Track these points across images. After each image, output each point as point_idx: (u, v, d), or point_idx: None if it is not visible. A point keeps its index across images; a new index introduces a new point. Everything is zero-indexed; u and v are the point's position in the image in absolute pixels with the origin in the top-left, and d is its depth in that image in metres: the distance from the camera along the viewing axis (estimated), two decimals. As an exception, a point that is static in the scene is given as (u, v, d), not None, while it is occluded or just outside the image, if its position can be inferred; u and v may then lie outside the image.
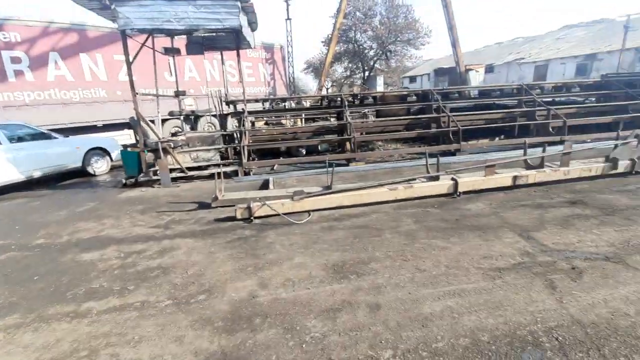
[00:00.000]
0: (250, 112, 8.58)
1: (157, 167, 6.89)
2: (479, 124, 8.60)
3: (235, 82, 13.94)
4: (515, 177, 5.01)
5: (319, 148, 8.88)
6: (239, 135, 7.61)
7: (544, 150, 5.40)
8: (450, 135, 7.85)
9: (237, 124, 8.46)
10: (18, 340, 2.41)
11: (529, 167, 5.55)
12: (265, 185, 6.09)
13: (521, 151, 7.43)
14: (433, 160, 5.28)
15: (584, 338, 2.07)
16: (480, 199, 4.72)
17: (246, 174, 7.03)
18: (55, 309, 2.77)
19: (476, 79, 21.24)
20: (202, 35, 8.64)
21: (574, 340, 2.06)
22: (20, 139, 7.17)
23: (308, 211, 4.54)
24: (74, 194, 6.66)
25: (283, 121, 11.52)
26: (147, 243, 3.98)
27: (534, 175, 5.09)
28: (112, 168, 8.78)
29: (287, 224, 4.20)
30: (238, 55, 8.54)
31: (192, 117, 10.76)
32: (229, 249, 3.62)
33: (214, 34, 8.61)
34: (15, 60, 8.56)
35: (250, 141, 8.23)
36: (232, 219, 4.44)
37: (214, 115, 9.44)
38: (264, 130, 8.86)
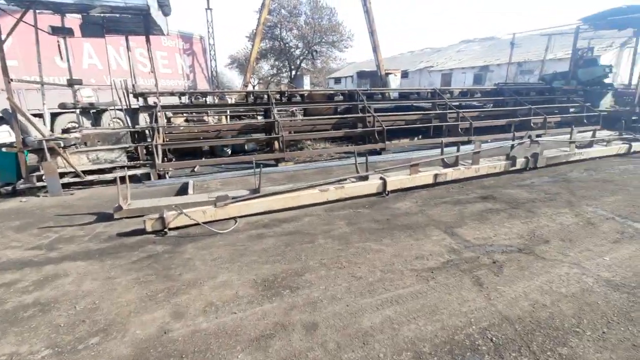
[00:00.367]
0: (164, 107, 7.61)
1: (42, 171, 5.61)
2: (400, 125, 9.07)
3: (148, 73, 12.41)
4: (436, 175, 5.29)
5: (246, 147, 8.34)
6: (151, 133, 6.66)
7: (458, 150, 5.82)
8: (376, 134, 8.08)
9: (149, 120, 7.44)
10: None
11: (445, 165, 5.93)
12: (183, 190, 5.40)
13: (437, 150, 8.03)
14: (361, 159, 5.28)
15: (514, 335, 2.12)
16: (407, 197, 4.85)
17: (161, 177, 6.17)
18: None
19: (395, 82, 22.72)
20: (102, 15, 7.36)
21: (506, 339, 2.09)
22: None
23: (234, 218, 4.09)
24: None
25: (206, 118, 10.61)
26: (22, 271, 3.10)
27: (451, 173, 5.45)
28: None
29: (209, 234, 3.70)
30: (148, 41, 7.52)
31: (92, 111, 9.20)
32: (135, 271, 2.99)
33: (117, 14, 7.41)
34: None
35: (167, 139, 7.31)
36: (141, 232, 3.75)
37: (121, 110, 8.21)
38: (182, 128, 7.96)
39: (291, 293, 2.61)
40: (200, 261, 3.12)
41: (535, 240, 3.46)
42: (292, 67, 32.41)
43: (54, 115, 9.11)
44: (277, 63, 33.99)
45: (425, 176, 5.20)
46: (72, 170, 5.85)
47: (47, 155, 5.55)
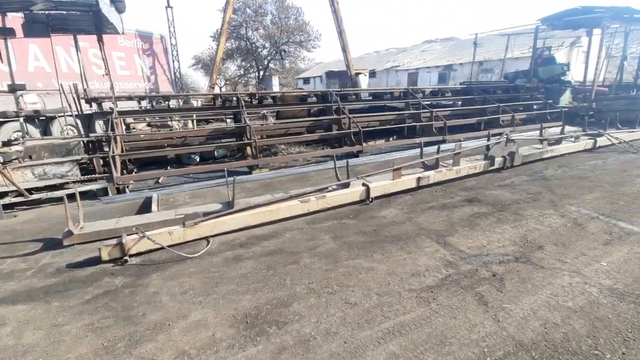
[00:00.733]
0: (121, 112, 6.93)
1: (-26, 192, 4.83)
2: (375, 125, 8.92)
3: (102, 76, 11.46)
4: (419, 179, 5.11)
5: (215, 154, 7.81)
6: (108, 142, 5.99)
7: (438, 151, 5.70)
8: (352, 136, 7.85)
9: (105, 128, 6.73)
10: None
11: (426, 167, 5.80)
12: (147, 206, 4.84)
13: (413, 150, 7.98)
14: (340, 164, 5.00)
15: (535, 367, 1.91)
16: (391, 203, 4.63)
17: (120, 191, 5.55)
18: None
19: (364, 82, 22.79)
20: (47, 12, 6.57)
21: (526, 372, 1.87)
22: None
23: (206, 238, 3.66)
24: None
25: (171, 123, 9.90)
26: (-59, 321, 2.51)
27: (433, 176, 5.30)
28: None
29: (177, 259, 3.25)
30: (100, 40, 6.81)
31: (42, 118, 8.27)
32: (88, 314, 2.50)
33: (63, 12, 6.65)
34: None
35: (126, 148, 6.64)
36: (96, 261, 3.22)
37: (75, 116, 7.38)
38: (143, 135, 7.30)
39: (278, 330, 2.26)
40: (168, 296, 2.68)
41: (529, 246, 3.33)
42: (260, 67, 31.72)
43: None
44: (244, 63, 33.15)
45: (408, 180, 5.01)
46: (15, 188, 5.10)
47: (-20, 172, 4.78)
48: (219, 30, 19.51)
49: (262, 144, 7.48)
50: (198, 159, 7.59)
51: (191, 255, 3.28)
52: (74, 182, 5.54)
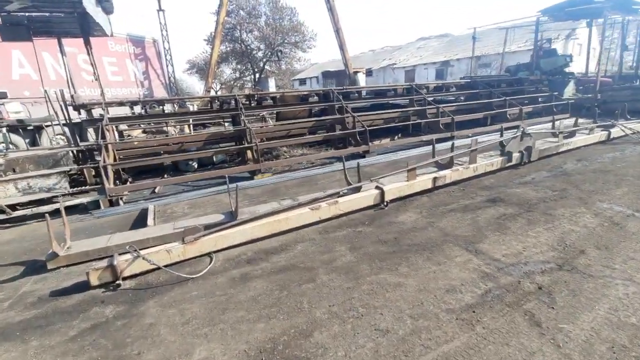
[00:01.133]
0: (113, 119, 6.54)
1: (-47, 210, 4.44)
2: (379, 124, 8.56)
3: (91, 81, 11.04)
4: (435, 179, 4.76)
5: (214, 160, 7.43)
6: (100, 151, 5.60)
7: (452, 148, 5.35)
8: (357, 136, 7.49)
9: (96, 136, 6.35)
10: None
11: (439, 166, 5.45)
12: (142, 219, 4.46)
13: (420, 149, 7.62)
14: (347, 165, 4.64)
15: (624, 412, 1.55)
16: (408, 207, 4.27)
17: (113, 203, 5.16)
18: None
19: (362, 81, 22.46)
20: (26, 13, 6.18)
21: (616, 420, 1.51)
22: None
23: (209, 254, 3.29)
24: None
25: (166, 129, 9.50)
26: None
27: (450, 175, 4.95)
28: None
29: (177, 282, 2.87)
30: (88, 44, 6.42)
31: (28, 128, 7.86)
32: (73, 355, 2.12)
33: (46, 13, 6.26)
34: None
35: (119, 157, 6.25)
36: (84, 286, 2.84)
37: (65, 125, 6.98)
38: (137, 143, 6.90)
39: (301, 369, 1.89)
40: (168, 327, 2.30)
41: (570, 251, 2.98)
42: (256, 69, 31.34)
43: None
44: (239, 66, 32.75)
45: (424, 181, 4.65)
46: (-3, 204, 4.70)
47: (-41, 188, 4.39)
48: (213, 33, 19.13)
49: (263, 147, 7.10)
50: (196, 166, 7.21)
51: (193, 276, 2.90)
52: (62, 195, 5.15)
